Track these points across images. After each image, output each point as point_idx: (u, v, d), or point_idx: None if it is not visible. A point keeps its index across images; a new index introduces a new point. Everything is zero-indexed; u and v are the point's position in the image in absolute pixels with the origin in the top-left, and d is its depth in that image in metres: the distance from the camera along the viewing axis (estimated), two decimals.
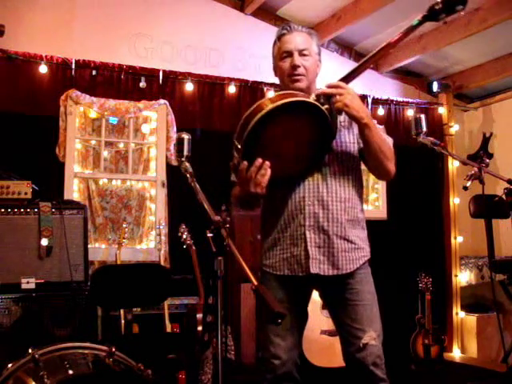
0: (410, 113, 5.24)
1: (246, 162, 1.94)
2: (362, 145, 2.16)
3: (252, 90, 4.65)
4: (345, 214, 2.14)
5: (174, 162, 4.24)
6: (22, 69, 3.97)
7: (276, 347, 2.16)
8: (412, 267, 4.76)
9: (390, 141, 2.22)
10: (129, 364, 2.09)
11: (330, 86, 2.01)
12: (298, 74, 2.16)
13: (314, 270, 2.12)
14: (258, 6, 4.74)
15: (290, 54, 2.17)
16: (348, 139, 2.19)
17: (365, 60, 2.08)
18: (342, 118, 2.19)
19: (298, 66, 2.15)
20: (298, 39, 2.18)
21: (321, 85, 2.15)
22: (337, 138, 2.15)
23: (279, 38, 2.23)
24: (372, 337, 2.10)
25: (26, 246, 3.21)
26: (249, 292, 3.94)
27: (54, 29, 4.18)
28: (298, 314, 2.22)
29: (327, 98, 1.99)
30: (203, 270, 3.85)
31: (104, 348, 2.10)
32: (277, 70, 2.26)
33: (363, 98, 5.04)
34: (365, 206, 2.30)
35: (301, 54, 2.16)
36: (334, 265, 2.13)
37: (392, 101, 5.23)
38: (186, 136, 2.01)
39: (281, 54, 2.21)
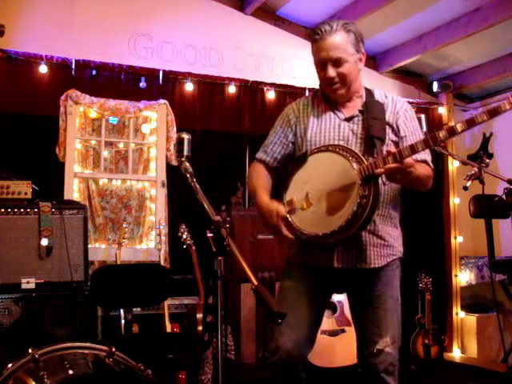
0: None
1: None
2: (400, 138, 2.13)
3: (252, 90, 4.65)
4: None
5: (174, 162, 4.23)
6: (22, 69, 3.96)
7: (287, 338, 2.08)
8: (412, 267, 4.75)
9: (427, 166, 2.13)
10: (129, 364, 2.09)
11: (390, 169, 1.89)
12: (334, 84, 2.10)
13: (337, 264, 2.09)
14: (257, 6, 4.73)
15: (324, 63, 2.09)
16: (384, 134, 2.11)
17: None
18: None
19: (332, 79, 2.08)
20: (330, 47, 2.05)
21: None
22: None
23: (312, 42, 2.12)
24: (387, 343, 2.08)
25: (26, 246, 3.21)
26: (249, 292, 3.94)
27: (53, 29, 4.17)
28: (315, 310, 2.19)
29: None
30: (203, 270, 3.85)
31: (104, 348, 2.09)
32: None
33: None
34: None
35: (335, 63, 2.07)
36: (361, 259, 2.10)
37: None
38: (186, 136, 2.01)
39: (316, 62, 2.13)
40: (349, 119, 2.16)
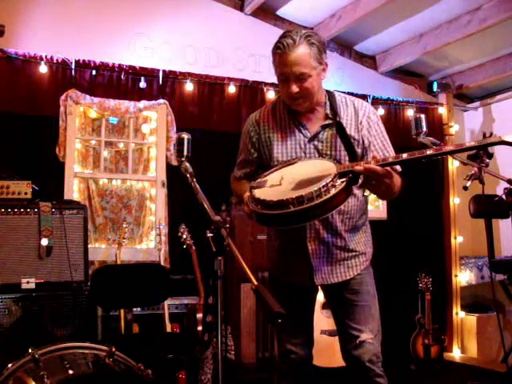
0: (409, 113, 5.24)
1: None
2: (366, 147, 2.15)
3: (252, 89, 4.65)
4: (343, 225, 2.16)
5: (174, 162, 4.23)
6: (22, 69, 3.97)
7: (291, 343, 2.28)
8: (412, 267, 4.75)
9: (398, 180, 2.10)
10: (129, 364, 2.09)
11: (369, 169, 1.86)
12: (297, 99, 2.09)
13: (318, 281, 2.19)
14: (257, 6, 4.73)
15: (286, 78, 2.06)
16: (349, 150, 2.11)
17: (412, 158, 1.87)
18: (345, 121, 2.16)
19: (295, 94, 2.07)
20: (293, 62, 2.01)
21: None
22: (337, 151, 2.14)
23: (274, 55, 2.08)
24: (368, 336, 2.16)
25: (26, 246, 3.21)
26: (249, 292, 3.94)
27: (53, 29, 4.17)
28: (307, 315, 2.34)
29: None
30: (203, 270, 3.85)
31: (104, 348, 2.10)
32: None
33: (363, 97, 5.05)
34: None
35: (298, 78, 2.04)
36: (335, 273, 2.18)
37: (392, 101, 5.23)
38: (185, 136, 2.01)
39: (278, 75, 2.11)
40: (313, 137, 2.15)
